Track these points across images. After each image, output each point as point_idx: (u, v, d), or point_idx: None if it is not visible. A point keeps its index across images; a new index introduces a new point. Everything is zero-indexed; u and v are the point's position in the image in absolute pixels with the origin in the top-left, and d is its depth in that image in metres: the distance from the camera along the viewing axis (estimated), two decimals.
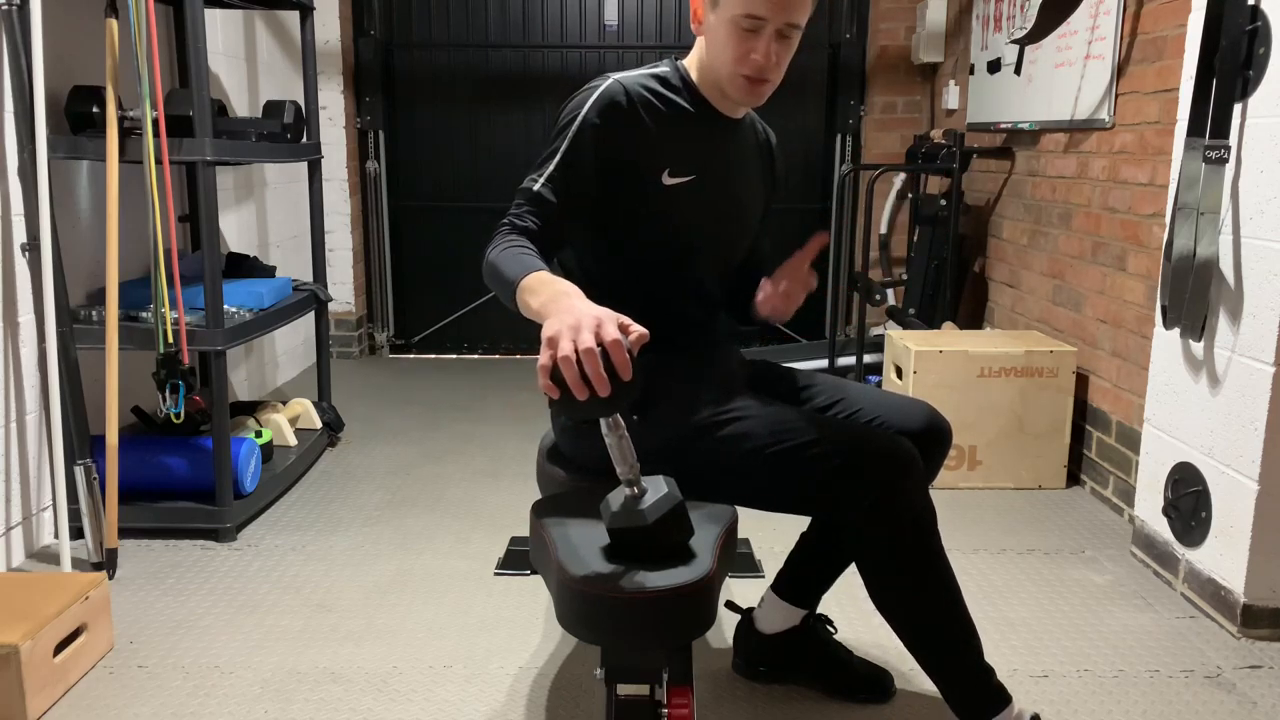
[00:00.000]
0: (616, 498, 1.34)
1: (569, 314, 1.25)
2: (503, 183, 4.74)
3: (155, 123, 2.40)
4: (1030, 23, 3.33)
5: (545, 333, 1.24)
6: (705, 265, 1.73)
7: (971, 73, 4.12)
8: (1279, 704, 1.93)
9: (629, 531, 1.33)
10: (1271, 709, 1.91)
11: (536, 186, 1.55)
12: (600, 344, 1.21)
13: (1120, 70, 2.95)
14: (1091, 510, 2.94)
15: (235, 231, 3.77)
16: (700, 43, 1.64)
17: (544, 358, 1.23)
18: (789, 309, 1.73)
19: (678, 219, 1.64)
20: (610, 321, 1.23)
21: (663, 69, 1.68)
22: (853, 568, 1.68)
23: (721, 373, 1.76)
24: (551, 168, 1.56)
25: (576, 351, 1.20)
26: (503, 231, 1.54)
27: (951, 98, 4.37)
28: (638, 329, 1.25)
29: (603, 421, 1.28)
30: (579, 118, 1.56)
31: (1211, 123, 2.14)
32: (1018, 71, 3.63)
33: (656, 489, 1.34)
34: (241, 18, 3.82)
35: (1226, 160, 2.14)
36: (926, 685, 1.66)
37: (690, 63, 1.68)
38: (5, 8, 2.30)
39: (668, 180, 1.61)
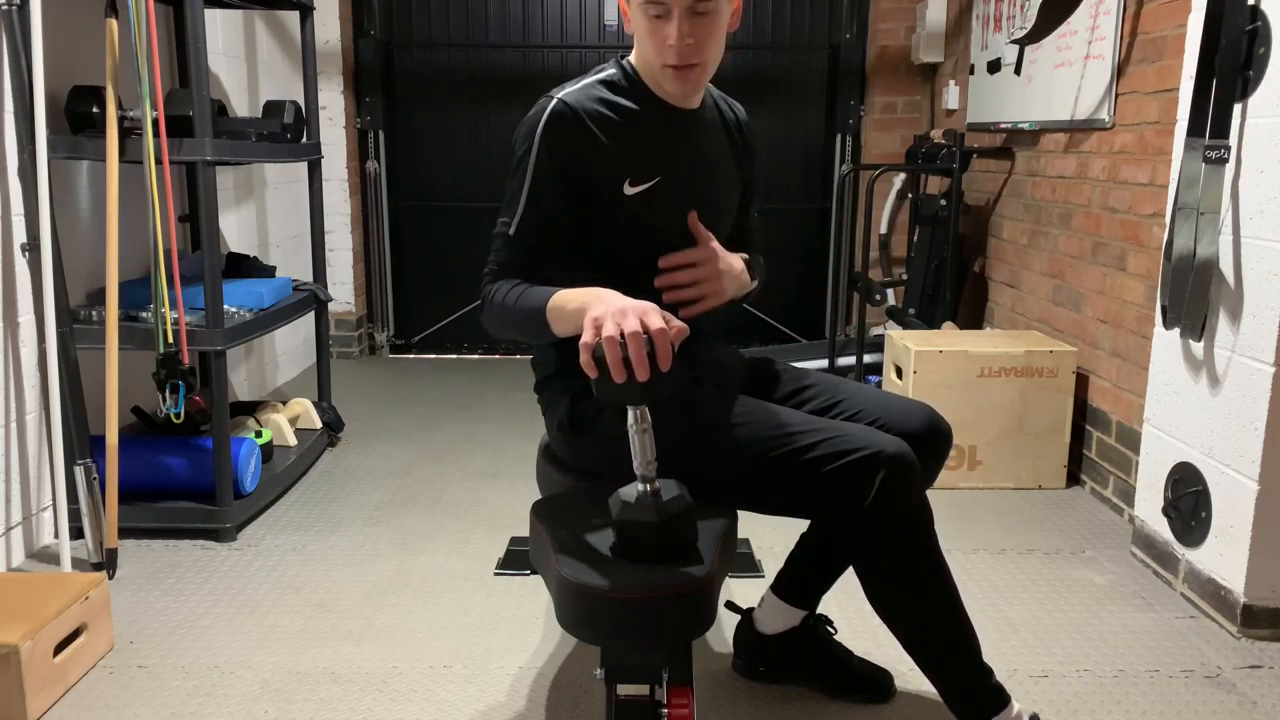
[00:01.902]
0: (629, 492, 1.35)
1: (616, 300, 1.28)
2: (502, 183, 4.73)
3: (155, 123, 2.40)
4: (1030, 23, 3.33)
5: (591, 314, 1.27)
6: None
7: (971, 73, 4.12)
8: (1279, 704, 1.93)
9: (637, 526, 1.34)
10: (1271, 709, 1.91)
11: (512, 231, 1.55)
12: (645, 331, 1.23)
13: (1120, 70, 2.95)
14: (1091, 510, 2.94)
15: (235, 231, 3.77)
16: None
17: (588, 335, 1.26)
18: (703, 298, 1.60)
19: (647, 224, 1.62)
20: (655, 313, 1.26)
21: (609, 71, 1.65)
22: (852, 568, 1.68)
23: (717, 373, 1.75)
24: (521, 208, 1.55)
25: (622, 334, 1.21)
26: (491, 277, 1.55)
27: (951, 98, 4.37)
28: (679, 323, 1.27)
29: (630, 412, 1.30)
30: (532, 149, 1.55)
31: (1211, 123, 2.14)
32: (1018, 71, 3.63)
33: (669, 489, 1.35)
34: (241, 18, 3.82)
35: (1226, 160, 2.14)
36: (926, 685, 1.66)
37: (635, 59, 1.65)
38: (5, 8, 2.30)
39: (630, 190, 1.59)
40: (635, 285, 1.52)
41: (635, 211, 1.60)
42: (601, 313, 1.26)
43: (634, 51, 1.65)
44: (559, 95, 1.58)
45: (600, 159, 1.57)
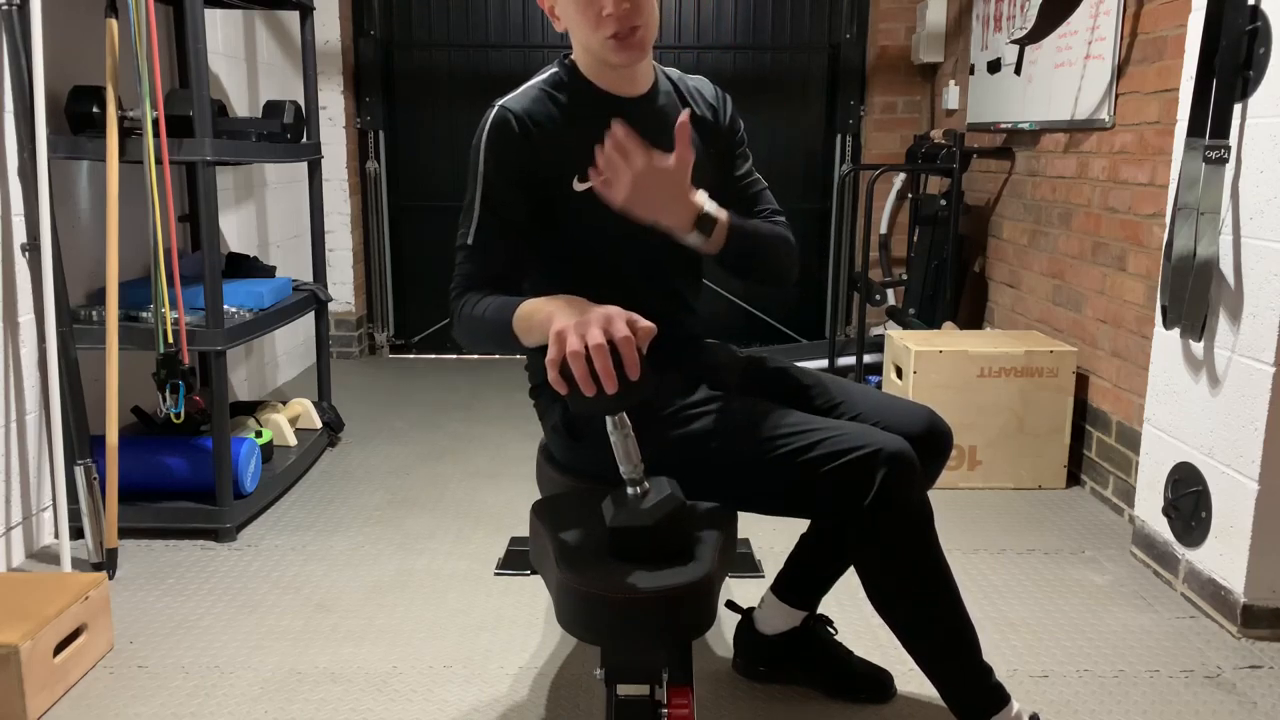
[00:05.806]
0: (619, 497, 1.34)
1: (577, 311, 1.25)
2: None
3: (155, 123, 2.40)
4: (1030, 23, 3.33)
5: (554, 328, 1.24)
6: (651, 253, 1.65)
7: (971, 73, 4.12)
8: (1279, 704, 1.93)
9: (630, 531, 1.33)
10: (1271, 709, 1.91)
11: (471, 239, 1.55)
12: (610, 340, 1.21)
13: (1120, 70, 2.95)
14: (1091, 510, 2.94)
15: (235, 231, 3.77)
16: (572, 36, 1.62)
17: (553, 352, 1.23)
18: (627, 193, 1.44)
19: (601, 220, 1.55)
20: (619, 318, 1.23)
21: (551, 71, 1.65)
22: (852, 568, 1.68)
23: (716, 374, 1.74)
24: (476, 216, 1.55)
25: (586, 347, 1.20)
26: (458, 291, 1.54)
27: (951, 98, 4.37)
28: (645, 323, 1.24)
29: (609, 419, 1.28)
30: (480, 159, 1.55)
31: (1211, 123, 2.14)
32: (1018, 71, 3.63)
33: (659, 490, 1.34)
34: (241, 18, 3.81)
35: (1226, 160, 2.14)
36: (926, 685, 1.66)
37: (576, 54, 1.65)
38: (5, 8, 2.30)
39: (579, 186, 1.57)
40: (596, 286, 1.48)
41: (585, 208, 1.56)
42: (564, 326, 1.23)
43: (574, 49, 1.65)
44: (500, 103, 1.58)
45: (546, 160, 1.56)
